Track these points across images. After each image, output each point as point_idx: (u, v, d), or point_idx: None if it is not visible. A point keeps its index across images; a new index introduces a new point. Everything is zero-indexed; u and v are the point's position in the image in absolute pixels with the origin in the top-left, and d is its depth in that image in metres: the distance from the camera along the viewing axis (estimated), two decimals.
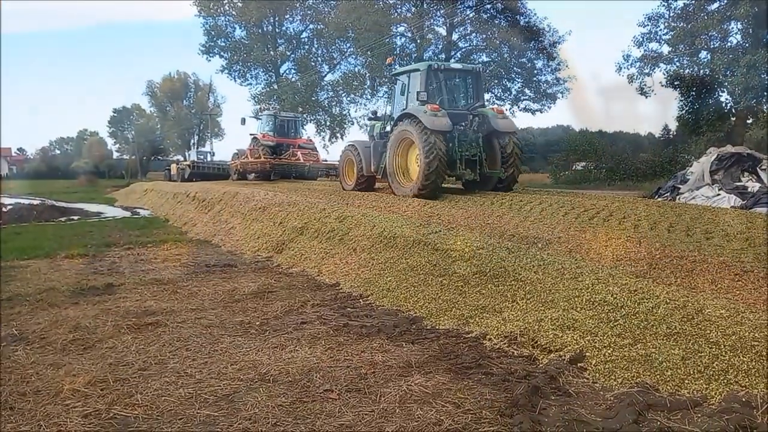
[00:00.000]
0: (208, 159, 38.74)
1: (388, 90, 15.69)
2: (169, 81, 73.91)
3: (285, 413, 3.34)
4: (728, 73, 22.16)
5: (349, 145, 14.95)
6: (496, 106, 16.17)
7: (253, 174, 23.70)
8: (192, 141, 71.51)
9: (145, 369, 4.11)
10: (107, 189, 44.30)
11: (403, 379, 3.81)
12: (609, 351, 3.88)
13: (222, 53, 45.15)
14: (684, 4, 24.40)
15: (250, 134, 25.62)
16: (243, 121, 26.44)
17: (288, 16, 44.95)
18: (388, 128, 12.99)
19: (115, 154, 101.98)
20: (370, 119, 15.88)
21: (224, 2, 44.61)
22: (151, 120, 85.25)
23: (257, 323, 5.27)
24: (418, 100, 11.79)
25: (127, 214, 20.50)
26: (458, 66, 13.59)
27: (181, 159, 43.02)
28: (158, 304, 6.04)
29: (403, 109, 12.25)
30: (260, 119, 26.52)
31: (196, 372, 4.02)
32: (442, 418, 3.23)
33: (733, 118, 24.09)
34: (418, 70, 12.45)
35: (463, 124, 11.92)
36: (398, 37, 36.83)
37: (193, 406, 3.48)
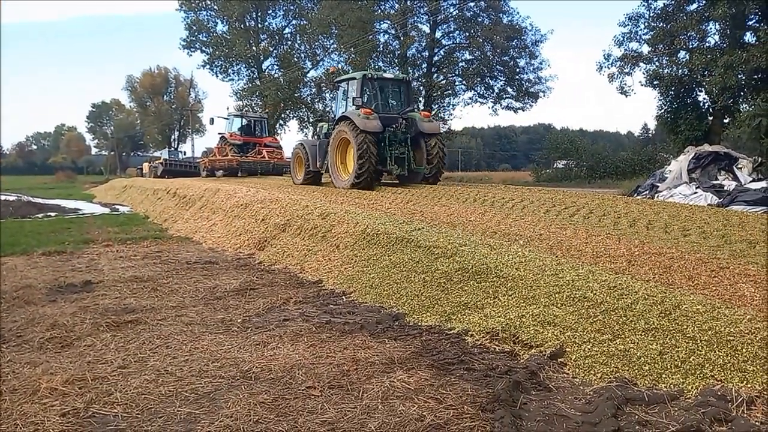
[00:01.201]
0: (180, 157, 40.58)
1: (332, 95, 17.28)
2: (150, 76, 72.97)
3: (267, 410, 3.33)
4: (706, 73, 22.48)
5: (298, 144, 16.60)
6: (424, 110, 17.94)
7: (221, 171, 24.79)
8: (173, 137, 70.68)
9: (124, 367, 4.05)
10: (85, 185, 43.73)
11: (385, 376, 3.82)
12: (588, 346, 3.94)
13: (203, 48, 44.63)
14: (663, 4, 24.69)
15: (219, 133, 27.33)
16: (212, 121, 28.09)
17: (271, 11, 44.60)
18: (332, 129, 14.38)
19: (94, 150, 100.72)
20: (317, 120, 17.60)
21: None
22: (131, 115, 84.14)
23: (239, 320, 5.23)
24: (354, 104, 13.31)
25: (106, 210, 20.22)
26: (390, 75, 15.46)
27: (157, 157, 44.45)
28: (138, 301, 5.97)
29: (343, 112, 13.80)
30: (228, 119, 27.90)
31: (177, 370, 3.98)
32: (424, 413, 3.24)
33: (711, 118, 24.45)
34: (354, 78, 14.07)
35: (394, 126, 13.51)
36: (381, 34, 36.75)
37: (173, 404, 3.44)
